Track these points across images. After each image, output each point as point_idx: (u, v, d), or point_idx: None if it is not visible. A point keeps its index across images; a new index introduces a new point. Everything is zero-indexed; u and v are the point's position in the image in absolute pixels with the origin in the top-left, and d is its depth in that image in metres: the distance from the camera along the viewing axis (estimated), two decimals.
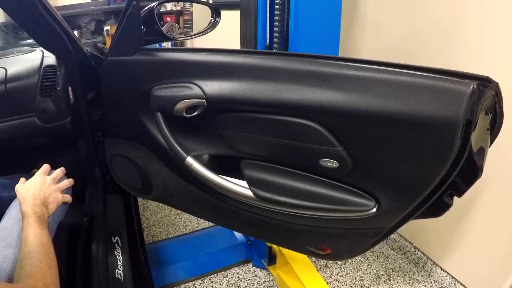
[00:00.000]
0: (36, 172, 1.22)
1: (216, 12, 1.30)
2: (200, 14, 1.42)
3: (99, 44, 1.70)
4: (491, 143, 0.96)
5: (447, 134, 0.79)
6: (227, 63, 1.05)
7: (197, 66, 1.09)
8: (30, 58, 1.56)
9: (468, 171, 0.86)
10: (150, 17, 1.17)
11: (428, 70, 0.82)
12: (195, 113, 1.08)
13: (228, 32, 1.90)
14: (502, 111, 0.89)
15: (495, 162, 1.33)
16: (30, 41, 2.96)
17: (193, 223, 2.49)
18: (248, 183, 1.12)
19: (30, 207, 1.06)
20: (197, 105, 1.07)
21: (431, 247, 2.08)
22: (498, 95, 0.83)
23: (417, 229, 2.13)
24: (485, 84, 0.78)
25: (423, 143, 0.85)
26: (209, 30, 1.32)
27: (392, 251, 2.24)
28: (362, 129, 0.90)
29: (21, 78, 1.43)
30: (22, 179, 1.19)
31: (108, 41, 4.28)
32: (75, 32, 4.32)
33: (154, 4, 1.17)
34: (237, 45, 1.85)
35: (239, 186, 1.12)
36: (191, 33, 1.40)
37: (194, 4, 2.29)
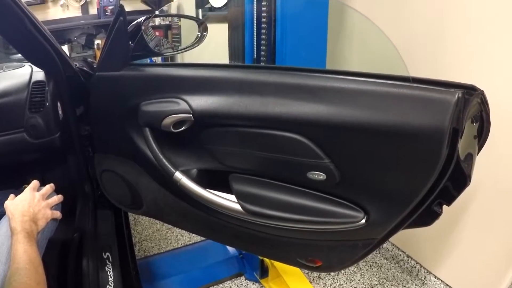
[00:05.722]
0: (26, 188, 1.22)
1: (202, 27, 1.31)
2: (188, 28, 1.43)
3: (88, 59, 1.70)
4: (479, 151, 0.96)
5: (434, 143, 0.79)
6: (213, 77, 1.06)
7: (184, 81, 1.09)
8: (19, 74, 1.55)
9: (456, 179, 0.86)
10: (138, 32, 1.17)
11: (413, 80, 0.83)
12: (183, 128, 1.08)
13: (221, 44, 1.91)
14: (489, 119, 0.90)
15: (484, 168, 1.34)
16: (20, 56, 2.95)
17: (184, 237, 2.47)
18: (236, 197, 1.11)
19: (19, 223, 1.06)
20: (184, 120, 1.07)
21: (424, 255, 2.08)
22: (484, 103, 0.84)
23: (410, 237, 2.13)
24: (471, 93, 0.78)
25: (411, 153, 0.85)
26: (196, 45, 1.32)
27: (385, 261, 2.23)
28: (348, 141, 0.91)
29: (9, 93, 1.42)
30: (12, 196, 1.19)
31: (99, 55, 4.28)
32: (66, 46, 4.32)
33: (141, 19, 1.17)
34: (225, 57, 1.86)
35: (227, 201, 1.11)
36: (179, 48, 1.40)
37: (182, 19, 2.31)
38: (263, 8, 1.56)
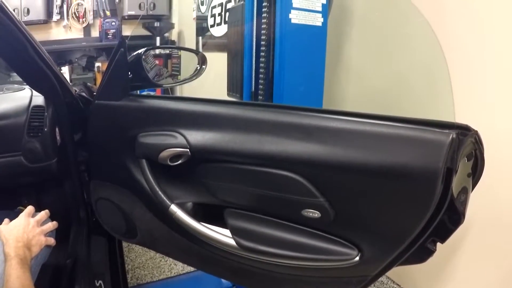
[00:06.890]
0: (21, 209, 1.22)
1: (202, 60, 1.32)
2: (188, 59, 1.44)
3: (88, 84, 1.71)
4: (473, 188, 0.97)
5: (428, 183, 0.80)
6: (211, 113, 1.07)
7: (182, 115, 1.10)
8: (19, 97, 1.56)
9: (450, 217, 0.87)
10: (137, 63, 1.18)
11: (407, 121, 0.84)
12: (179, 162, 1.09)
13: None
14: (483, 157, 0.91)
15: (479, 201, 1.35)
16: None
17: (178, 266, 2.44)
18: (231, 232, 1.11)
19: (12, 249, 1.06)
20: (181, 154, 1.07)
21: None
22: (478, 142, 0.85)
23: (405, 270, 2.11)
24: (465, 133, 0.80)
25: (404, 193, 0.86)
26: (193, 78, 1.33)
27: None
28: (343, 180, 0.91)
29: (8, 116, 1.44)
30: (6, 220, 1.19)
31: (99, 77, 4.32)
32: (66, 67, 4.36)
33: (141, 50, 1.18)
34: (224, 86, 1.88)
35: (222, 235, 1.11)
36: (178, 80, 1.42)
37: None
38: (262, 42, 1.59)
